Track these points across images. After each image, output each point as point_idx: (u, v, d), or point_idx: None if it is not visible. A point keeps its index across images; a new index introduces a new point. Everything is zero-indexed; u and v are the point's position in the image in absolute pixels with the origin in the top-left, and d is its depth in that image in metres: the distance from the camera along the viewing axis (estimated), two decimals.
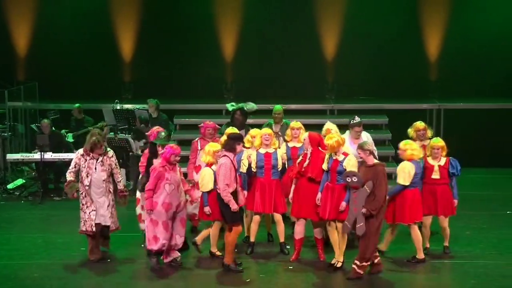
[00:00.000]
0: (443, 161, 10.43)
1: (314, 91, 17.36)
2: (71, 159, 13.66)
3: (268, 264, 10.13)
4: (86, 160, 10.16)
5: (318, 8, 17.38)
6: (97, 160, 10.13)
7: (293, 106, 16.23)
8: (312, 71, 17.38)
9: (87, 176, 10.12)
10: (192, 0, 17.64)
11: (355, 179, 9.51)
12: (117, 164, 10.33)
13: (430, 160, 10.46)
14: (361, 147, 9.70)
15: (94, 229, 10.11)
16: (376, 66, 17.23)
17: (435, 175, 10.39)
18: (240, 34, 17.41)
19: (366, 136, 11.27)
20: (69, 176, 10.23)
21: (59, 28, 17.43)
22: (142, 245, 10.51)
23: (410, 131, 11.17)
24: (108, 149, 10.32)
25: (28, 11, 17.48)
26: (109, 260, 10.30)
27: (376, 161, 9.72)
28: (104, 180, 10.15)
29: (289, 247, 10.55)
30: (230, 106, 12.61)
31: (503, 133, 16.40)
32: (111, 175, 10.25)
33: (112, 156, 10.25)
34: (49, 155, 13.76)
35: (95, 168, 10.11)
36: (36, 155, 13.79)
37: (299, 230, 10.13)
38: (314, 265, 10.06)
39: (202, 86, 17.35)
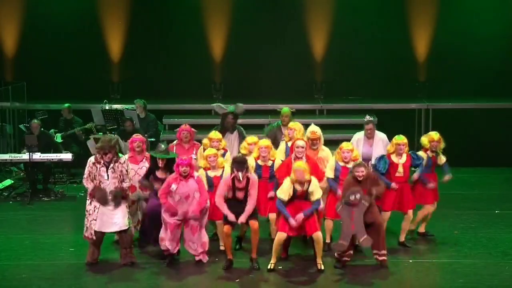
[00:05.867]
0: (404, 158, 10.50)
1: (303, 91, 17.37)
2: (60, 160, 13.86)
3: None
4: (97, 168, 9.91)
5: (307, 9, 17.39)
6: (107, 167, 9.90)
7: (282, 106, 16.21)
8: (301, 71, 17.40)
9: (100, 185, 9.93)
10: (181, 1, 17.63)
11: (358, 196, 9.65)
12: (128, 170, 10.06)
13: (394, 158, 10.49)
14: (364, 165, 9.90)
15: (94, 237, 9.96)
16: (365, 66, 17.26)
17: (399, 174, 10.50)
18: (229, 34, 17.40)
19: (379, 137, 11.39)
20: (88, 183, 9.91)
21: (47, 28, 17.37)
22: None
23: (424, 140, 10.91)
24: (121, 155, 10.10)
25: (16, 11, 17.41)
26: (98, 261, 10.27)
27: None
28: (116, 187, 9.90)
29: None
30: (221, 108, 12.57)
31: (491, 133, 16.46)
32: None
33: (124, 162, 9.98)
34: (37, 156, 13.71)
35: (107, 176, 9.87)
36: (25, 156, 13.73)
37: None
38: (302, 264, 10.07)
39: (191, 86, 17.33)
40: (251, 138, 10.91)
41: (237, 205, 9.85)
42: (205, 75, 17.50)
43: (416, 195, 10.82)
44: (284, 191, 9.74)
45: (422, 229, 11.18)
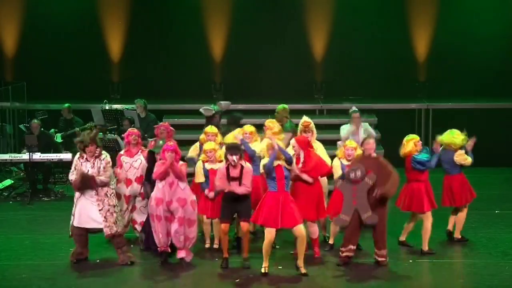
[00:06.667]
0: None
1: (303, 91, 17.37)
2: (60, 159, 13.87)
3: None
4: (81, 163, 10.00)
5: (307, 9, 17.40)
6: (89, 162, 9.97)
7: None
8: (301, 71, 17.40)
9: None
10: (181, 1, 17.64)
11: (358, 173, 9.65)
12: (106, 167, 9.98)
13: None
14: (372, 137, 10.04)
15: (69, 232, 10.08)
16: (365, 66, 17.26)
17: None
18: (229, 34, 17.41)
19: (363, 126, 11.56)
20: (72, 176, 9.98)
21: (47, 28, 17.37)
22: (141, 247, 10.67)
23: (453, 140, 10.84)
24: (104, 153, 10.11)
25: (16, 11, 17.42)
26: (98, 261, 10.28)
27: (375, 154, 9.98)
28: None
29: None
30: (205, 109, 12.65)
31: (490, 133, 16.45)
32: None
33: (104, 159, 10.00)
34: (37, 156, 13.70)
35: (88, 171, 9.95)
36: (25, 156, 13.73)
37: (314, 230, 10.22)
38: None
39: (191, 86, 17.34)
40: (248, 127, 11.08)
41: (233, 200, 9.85)
42: (205, 75, 17.50)
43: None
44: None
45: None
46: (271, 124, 11.07)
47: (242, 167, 9.85)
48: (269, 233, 9.65)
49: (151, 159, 10.42)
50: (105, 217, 9.97)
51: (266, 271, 9.73)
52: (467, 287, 9.45)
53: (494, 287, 9.35)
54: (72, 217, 10.07)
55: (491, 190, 14.40)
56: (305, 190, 10.04)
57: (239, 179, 9.83)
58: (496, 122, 16.57)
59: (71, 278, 9.71)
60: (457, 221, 11.05)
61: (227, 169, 9.85)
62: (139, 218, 10.76)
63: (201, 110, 12.65)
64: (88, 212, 9.99)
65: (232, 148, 9.88)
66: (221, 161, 10.40)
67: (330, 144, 11.88)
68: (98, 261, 10.27)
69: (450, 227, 11.19)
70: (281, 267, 10.00)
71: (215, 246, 10.66)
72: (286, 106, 12.55)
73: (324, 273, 9.81)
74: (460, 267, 10.10)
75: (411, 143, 10.46)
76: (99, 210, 9.98)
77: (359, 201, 9.71)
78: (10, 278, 9.70)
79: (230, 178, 9.84)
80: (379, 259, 10.01)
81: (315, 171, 10.13)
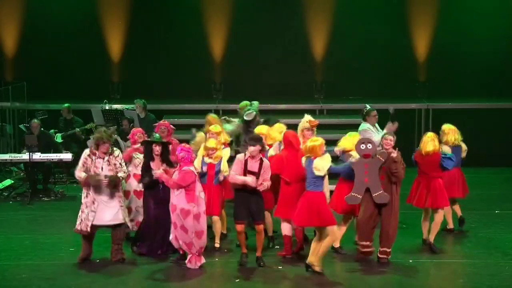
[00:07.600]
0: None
1: (303, 91, 17.38)
2: (60, 159, 13.87)
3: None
4: (92, 160, 10.00)
5: (307, 9, 17.41)
6: (103, 159, 9.99)
7: (282, 106, 16.26)
8: (301, 71, 17.42)
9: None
10: (181, 1, 17.65)
11: (369, 146, 9.62)
12: (122, 163, 10.12)
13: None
14: (392, 134, 10.08)
15: (89, 229, 9.98)
16: (365, 66, 17.28)
17: None
18: (229, 34, 17.42)
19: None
20: (81, 173, 9.95)
21: (47, 28, 17.40)
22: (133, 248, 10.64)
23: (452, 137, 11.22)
24: (115, 149, 10.19)
25: (16, 11, 17.44)
26: (98, 261, 10.28)
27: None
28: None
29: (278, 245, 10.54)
30: (248, 114, 12.61)
31: (491, 133, 16.47)
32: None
33: (118, 156, 10.09)
34: (37, 156, 13.71)
35: (102, 168, 9.96)
36: (25, 156, 13.73)
37: (284, 226, 10.20)
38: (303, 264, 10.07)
39: (191, 86, 17.36)
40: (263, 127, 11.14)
41: (246, 198, 9.73)
42: (205, 75, 17.52)
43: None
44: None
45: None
46: (211, 118, 11.33)
47: (261, 161, 9.71)
48: (336, 232, 9.66)
49: (147, 151, 10.36)
50: (124, 212, 10.07)
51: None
52: (467, 287, 9.44)
53: (494, 287, 9.35)
54: (87, 214, 9.96)
55: (491, 190, 14.41)
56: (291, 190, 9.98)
57: (257, 174, 9.65)
58: (496, 122, 16.58)
59: (71, 278, 9.70)
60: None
61: (246, 161, 9.68)
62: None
63: (244, 117, 12.50)
64: (109, 209, 9.98)
65: (255, 140, 9.70)
66: (220, 158, 10.43)
67: (329, 144, 11.82)
68: (98, 261, 10.26)
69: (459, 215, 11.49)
70: (281, 267, 10.00)
71: (216, 245, 10.65)
72: (248, 102, 12.66)
73: (324, 273, 9.79)
74: (460, 267, 10.09)
75: (436, 141, 10.49)
76: (120, 206, 10.02)
77: (371, 179, 9.66)
78: (10, 278, 9.70)
79: (247, 172, 9.65)
80: (381, 255, 10.01)
81: (292, 177, 9.99)
